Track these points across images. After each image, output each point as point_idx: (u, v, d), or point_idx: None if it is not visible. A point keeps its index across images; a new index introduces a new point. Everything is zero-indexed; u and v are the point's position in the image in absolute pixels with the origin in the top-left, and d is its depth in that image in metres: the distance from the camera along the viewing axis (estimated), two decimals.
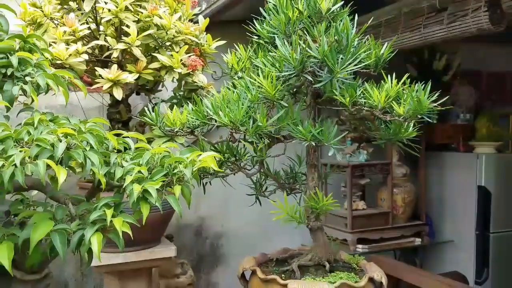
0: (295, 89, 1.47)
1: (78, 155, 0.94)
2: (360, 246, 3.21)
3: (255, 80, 1.25)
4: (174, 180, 1.07)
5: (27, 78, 1.01)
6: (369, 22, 1.58)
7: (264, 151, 1.33)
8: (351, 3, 1.39)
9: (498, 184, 3.36)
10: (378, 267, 1.41)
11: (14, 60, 0.99)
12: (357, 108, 1.25)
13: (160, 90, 2.33)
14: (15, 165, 0.84)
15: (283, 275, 1.37)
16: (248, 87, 1.27)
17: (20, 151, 0.87)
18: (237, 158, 1.45)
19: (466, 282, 3.10)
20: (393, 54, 1.34)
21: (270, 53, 1.31)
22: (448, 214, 3.62)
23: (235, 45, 1.56)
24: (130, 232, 0.99)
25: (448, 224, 3.62)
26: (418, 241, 3.40)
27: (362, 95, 1.23)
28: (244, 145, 1.49)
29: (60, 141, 0.93)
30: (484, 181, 3.35)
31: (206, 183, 1.52)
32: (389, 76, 1.26)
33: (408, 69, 3.68)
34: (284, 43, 1.28)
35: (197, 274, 3.17)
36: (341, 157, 3.26)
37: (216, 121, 1.28)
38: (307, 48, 1.22)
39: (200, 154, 1.11)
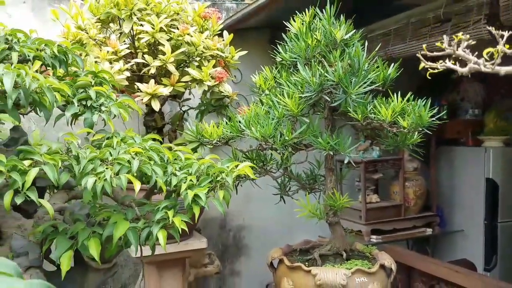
0: (313, 103, 1.71)
1: (147, 170, 1.20)
2: (374, 236, 3.42)
3: (281, 99, 1.49)
4: (218, 186, 1.32)
5: (102, 108, 1.26)
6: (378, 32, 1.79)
7: (289, 158, 1.57)
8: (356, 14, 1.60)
9: (505, 177, 3.53)
10: (388, 255, 1.65)
11: (92, 93, 1.25)
12: (368, 121, 1.48)
13: (189, 99, 2.58)
14: (105, 179, 1.10)
15: (306, 263, 1.61)
16: (275, 105, 1.51)
17: (107, 168, 1.13)
18: (264, 163, 1.69)
19: (474, 269, 3.29)
20: (398, 74, 1.56)
21: (293, 76, 1.54)
22: (458, 205, 3.80)
23: (255, 63, 1.80)
24: (186, 229, 1.24)
25: (458, 215, 3.80)
26: (429, 231, 3.60)
27: (372, 111, 1.46)
28: (271, 152, 1.74)
29: (133, 159, 1.19)
30: (492, 174, 3.53)
31: (238, 184, 1.77)
32: (395, 94, 1.49)
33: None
34: (305, 67, 1.51)
35: (222, 263, 3.44)
36: (355, 155, 3.49)
37: (248, 134, 1.52)
38: (325, 74, 1.45)
39: (238, 165, 1.36)
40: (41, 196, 1.44)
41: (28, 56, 1.19)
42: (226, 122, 1.63)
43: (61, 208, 1.34)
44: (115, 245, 1.20)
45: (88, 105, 1.25)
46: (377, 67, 1.57)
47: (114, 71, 2.15)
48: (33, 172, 1.04)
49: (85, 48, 2.35)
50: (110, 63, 2.21)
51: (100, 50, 2.23)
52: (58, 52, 1.24)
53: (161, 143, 1.46)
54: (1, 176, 1.01)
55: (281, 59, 1.68)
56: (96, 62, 2.21)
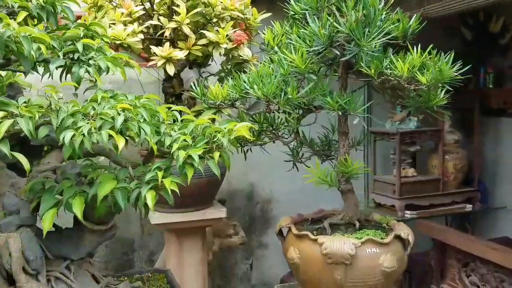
0: (330, 61, 1.57)
1: (133, 126, 1.13)
2: (408, 212, 3.26)
3: (287, 55, 1.37)
4: (214, 147, 1.24)
5: (91, 61, 1.20)
6: None
7: (295, 120, 1.45)
8: None
9: None
10: (407, 226, 1.51)
11: (79, 46, 1.19)
12: (384, 78, 1.33)
13: (209, 65, 2.50)
14: (83, 134, 1.05)
15: (315, 232, 1.51)
16: (281, 62, 1.39)
17: (87, 123, 1.07)
18: (274, 127, 1.59)
19: None
20: (421, 26, 1.39)
21: (301, 30, 1.41)
22: (502, 181, 3.55)
23: (273, 22, 1.68)
24: (177, 190, 1.17)
25: (501, 190, 3.55)
26: (469, 207, 3.38)
27: (387, 66, 1.31)
28: (284, 116, 1.63)
29: (119, 115, 1.13)
30: None
31: (248, 150, 1.68)
32: (415, 47, 1.32)
33: (463, 32, 3.56)
34: (315, 20, 1.37)
35: (249, 235, 3.40)
36: (390, 125, 3.30)
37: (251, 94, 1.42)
38: (334, 23, 1.31)
39: (236, 125, 1.26)
40: (38, 154, 1.42)
41: (13, 6, 1.14)
42: (231, 83, 1.53)
43: (55, 167, 1.31)
44: (102, 205, 1.15)
45: (76, 59, 1.19)
46: (398, 20, 1.40)
47: (128, 33, 2.10)
48: (6, 124, 1.00)
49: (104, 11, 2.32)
50: (125, 25, 2.16)
51: (115, 12, 2.18)
52: (45, 3, 1.18)
53: (181, 112, 1.39)
54: None
55: (293, 13, 1.55)
56: (111, 24, 2.17)
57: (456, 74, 1.26)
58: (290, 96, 1.33)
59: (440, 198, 3.33)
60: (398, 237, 1.43)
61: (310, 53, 1.36)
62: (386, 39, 1.30)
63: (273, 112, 1.56)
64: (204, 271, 2.47)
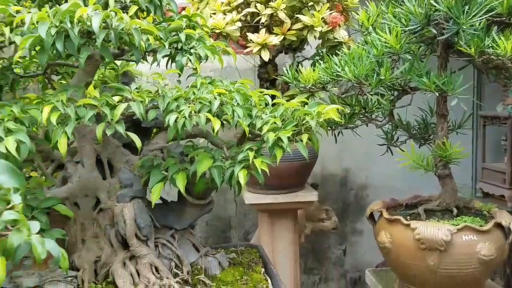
0: (429, 41, 1.50)
1: (228, 109, 1.21)
2: None
3: (381, 36, 1.34)
4: (303, 130, 1.27)
5: (192, 50, 1.30)
6: None
7: (389, 102, 1.43)
8: None
9: None
10: (510, 214, 1.41)
11: (182, 36, 1.30)
12: (485, 58, 1.25)
13: (304, 49, 2.52)
14: (185, 117, 1.16)
15: (408, 217, 1.48)
16: (374, 43, 1.37)
17: (188, 107, 1.18)
18: (366, 110, 1.57)
19: None
20: None
21: (397, 9, 1.37)
22: None
23: (368, 2, 1.65)
24: (267, 170, 1.24)
25: None
26: None
27: (490, 45, 1.23)
28: (377, 98, 1.60)
29: (215, 99, 1.22)
30: None
31: (339, 133, 1.69)
32: None
33: None
34: None
35: (342, 221, 3.40)
36: (501, 109, 3.03)
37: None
38: (431, 1, 1.26)
39: (325, 107, 1.28)
40: (148, 135, 1.59)
41: (125, 1, 1.28)
42: (322, 66, 1.54)
43: (162, 146, 1.46)
44: (200, 181, 1.26)
45: (179, 48, 1.31)
46: None
47: (227, 21, 2.21)
48: (121, 107, 1.14)
49: (205, 2, 2.46)
50: (224, 14, 2.27)
51: (215, 2, 2.30)
52: None
53: (274, 96, 1.45)
54: (94, 109, 1.13)
55: None
56: (211, 14, 2.30)
57: None
58: (382, 77, 1.31)
59: None
60: (498, 225, 1.35)
61: (405, 33, 1.32)
62: (489, 16, 1.21)
63: (365, 95, 1.54)
64: (295, 252, 2.54)
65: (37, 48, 1.15)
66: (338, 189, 3.49)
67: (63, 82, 1.67)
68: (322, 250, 3.54)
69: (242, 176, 1.22)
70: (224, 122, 1.31)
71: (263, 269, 1.51)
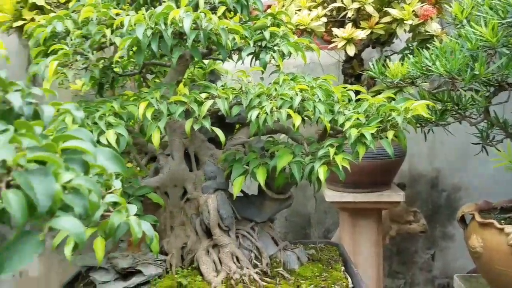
0: None
1: (309, 105, 1.22)
2: None
3: (476, 29, 1.26)
4: (388, 126, 1.24)
5: (275, 48, 1.33)
6: None
7: (484, 99, 1.33)
8: None
9: None
10: None
11: (266, 34, 1.33)
12: None
13: (393, 43, 2.42)
14: (266, 113, 1.19)
15: (502, 221, 1.37)
16: (468, 36, 1.28)
17: (270, 103, 1.21)
18: (459, 107, 1.48)
19: None
20: None
21: (493, 0, 1.27)
22: None
23: None
24: (348, 167, 1.22)
25: None
26: None
27: None
28: (471, 94, 1.50)
29: (297, 95, 1.23)
30: None
31: (429, 130, 1.61)
32: None
33: None
34: None
35: (432, 224, 3.22)
36: None
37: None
38: None
39: (413, 103, 1.23)
40: (231, 131, 1.65)
41: (214, 2, 1.34)
42: (412, 60, 1.48)
43: (244, 141, 1.51)
44: (280, 176, 1.29)
45: (263, 46, 1.34)
46: None
47: (312, 17, 2.20)
48: (208, 104, 1.20)
49: None
50: (309, 10, 2.27)
51: None
52: None
53: (358, 92, 1.44)
54: (183, 105, 1.21)
55: None
56: (297, 11, 2.31)
57: None
58: (477, 72, 1.23)
59: None
60: None
61: (503, 25, 1.22)
62: None
63: (458, 90, 1.45)
64: (379, 254, 2.46)
65: (134, 48, 1.26)
66: (428, 190, 3.31)
67: (157, 80, 1.79)
68: (408, 254, 3.39)
69: (322, 172, 1.22)
70: (305, 118, 1.32)
71: (343, 267, 1.49)
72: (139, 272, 1.40)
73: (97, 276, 1.39)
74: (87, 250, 1.44)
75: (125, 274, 1.40)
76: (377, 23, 2.15)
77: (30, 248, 0.41)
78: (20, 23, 2.06)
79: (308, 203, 3.32)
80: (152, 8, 1.29)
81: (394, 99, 1.38)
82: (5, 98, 0.50)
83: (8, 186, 0.40)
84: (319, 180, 1.26)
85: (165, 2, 1.20)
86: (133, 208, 0.67)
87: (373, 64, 1.68)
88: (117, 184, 0.64)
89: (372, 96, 1.40)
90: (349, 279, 1.42)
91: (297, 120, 1.19)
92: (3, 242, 0.42)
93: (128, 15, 1.18)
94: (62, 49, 1.20)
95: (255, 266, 1.42)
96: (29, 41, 1.36)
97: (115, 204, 0.62)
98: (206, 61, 1.74)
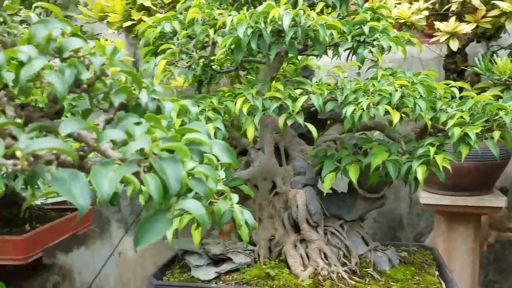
0: None
1: (409, 102, 1.18)
2: None
3: None
4: (494, 126, 1.15)
5: (375, 42, 1.30)
6: None
7: None
8: None
9: None
10: None
11: (366, 29, 1.30)
12: None
13: (501, 37, 2.24)
14: (362, 109, 1.17)
15: None
16: None
17: (366, 99, 1.19)
18: None
19: None
20: None
21: None
22: None
23: None
24: (449, 168, 1.16)
25: None
26: None
27: None
28: None
29: (396, 91, 1.20)
30: None
31: None
32: None
33: None
34: None
35: None
36: None
37: None
38: None
39: None
40: (322, 127, 1.65)
41: None
42: None
43: (335, 138, 1.50)
44: (374, 174, 1.26)
45: (362, 41, 1.32)
46: None
47: (412, 11, 2.11)
48: (302, 99, 1.21)
49: None
50: (410, 3, 2.17)
51: None
52: None
53: (461, 88, 1.37)
54: (277, 101, 1.23)
55: None
56: (396, 4, 2.23)
57: None
58: None
59: None
60: None
61: None
62: None
63: None
64: (474, 262, 2.30)
65: (232, 46, 1.31)
66: None
67: (249, 76, 1.84)
68: (507, 263, 3.12)
69: (420, 172, 1.17)
70: (402, 115, 1.28)
71: (437, 272, 1.43)
72: (229, 259, 1.46)
73: (192, 260, 1.47)
74: (182, 235, 1.54)
75: (216, 260, 1.47)
76: (484, 16, 2.01)
77: (160, 225, 0.46)
78: (129, 23, 2.23)
79: (400, 205, 3.19)
80: (252, 7, 1.33)
81: (501, 97, 1.28)
82: (137, 95, 0.56)
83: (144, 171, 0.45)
84: (416, 181, 1.22)
85: (265, 1, 1.23)
86: (235, 197, 0.71)
87: (478, 60, 1.57)
88: (222, 174, 0.69)
89: (476, 94, 1.31)
90: (443, 285, 1.35)
91: (395, 117, 1.16)
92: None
93: (230, 15, 1.23)
94: (170, 48, 1.28)
95: (343, 264, 1.41)
96: (140, 40, 1.47)
97: (221, 192, 0.66)
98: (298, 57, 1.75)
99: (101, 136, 0.46)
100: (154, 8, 2.21)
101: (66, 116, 0.61)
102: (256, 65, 1.75)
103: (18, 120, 0.41)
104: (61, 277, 2.94)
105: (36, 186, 1.43)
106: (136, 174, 0.45)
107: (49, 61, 0.47)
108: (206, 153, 0.54)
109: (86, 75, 0.50)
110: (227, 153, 0.58)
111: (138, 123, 0.49)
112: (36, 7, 0.64)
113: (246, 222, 0.70)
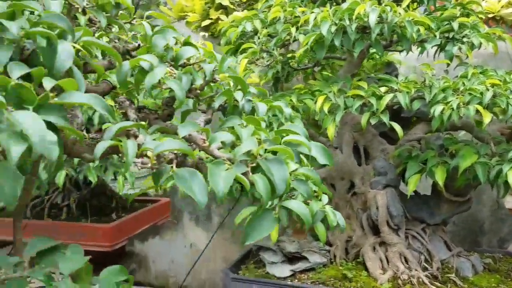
0: None
1: (501, 102, 1.11)
2: None
3: None
4: None
5: (464, 39, 1.23)
6: None
7: None
8: None
9: None
10: None
11: (455, 25, 1.24)
12: None
13: None
14: (452, 108, 1.11)
15: None
16: None
17: (456, 98, 1.13)
18: None
19: None
20: None
21: None
22: None
23: None
24: None
25: None
26: None
27: None
28: None
29: (488, 90, 1.13)
30: None
31: None
32: None
33: None
34: None
35: None
36: None
37: None
38: None
39: None
40: (406, 125, 1.59)
41: None
42: None
43: (420, 137, 1.44)
44: (461, 177, 1.20)
45: (451, 37, 1.26)
46: None
47: (502, 4, 1.98)
48: (387, 98, 1.18)
49: None
50: None
51: None
52: None
53: None
54: (360, 99, 1.21)
55: None
56: None
57: None
58: None
59: None
60: None
61: None
62: None
63: None
64: None
65: (311, 44, 1.30)
66: None
67: (324, 73, 1.82)
68: None
69: (511, 176, 1.10)
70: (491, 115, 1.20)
71: None
72: (305, 258, 1.46)
73: (266, 256, 1.49)
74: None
75: (290, 258, 1.48)
76: None
77: (267, 223, 0.48)
78: (207, 22, 2.30)
79: (482, 209, 3.01)
80: (335, 4, 1.32)
81: None
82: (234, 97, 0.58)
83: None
84: (506, 184, 1.14)
85: None
86: (325, 198, 0.71)
87: None
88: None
89: None
90: None
91: (486, 117, 1.09)
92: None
93: (313, 12, 1.22)
94: (251, 47, 1.31)
95: (424, 269, 1.36)
96: (216, 39, 1.51)
97: (314, 192, 0.66)
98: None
99: (213, 138, 0.49)
100: (232, 6, 2.26)
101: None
102: (333, 61, 1.73)
103: (143, 123, 0.44)
104: (137, 264, 3.12)
105: (124, 178, 1.51)
106: (245, 174, 0.47)
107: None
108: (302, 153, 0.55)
109: (199, 81, 0.53)
110: (324, 154, 0.58)
111: (239, 125, 0.51)
112: (148, 16, 0.68)
113: (337, 223, 0.69)
